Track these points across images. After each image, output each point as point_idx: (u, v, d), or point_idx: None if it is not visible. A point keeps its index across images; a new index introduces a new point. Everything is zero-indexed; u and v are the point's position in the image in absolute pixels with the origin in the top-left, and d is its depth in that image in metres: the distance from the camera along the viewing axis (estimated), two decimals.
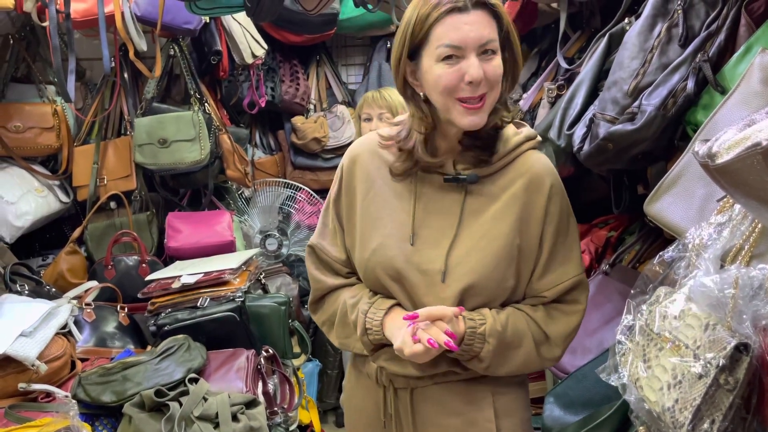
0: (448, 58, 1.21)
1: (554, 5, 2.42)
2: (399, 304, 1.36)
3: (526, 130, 1.38)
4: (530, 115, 2.34)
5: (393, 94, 2.50)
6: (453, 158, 1.34)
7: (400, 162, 1.36)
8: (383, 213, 1.37)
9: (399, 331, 1.28)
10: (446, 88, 1.22)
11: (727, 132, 0.86)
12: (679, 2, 1.40)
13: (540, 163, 1.34)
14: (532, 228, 1.31)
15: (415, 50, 1.26)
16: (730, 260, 1.03)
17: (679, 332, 1.02)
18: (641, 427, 1.15)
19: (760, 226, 0.99)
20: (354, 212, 1.42)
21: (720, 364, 0.92)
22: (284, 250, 3.09)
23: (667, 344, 1.03)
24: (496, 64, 1.22)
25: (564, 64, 2.18)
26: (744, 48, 1.27)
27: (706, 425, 0.93)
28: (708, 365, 0.93)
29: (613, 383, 1.14)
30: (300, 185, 3.32)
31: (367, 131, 2.46)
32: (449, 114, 1.26)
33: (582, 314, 1.37)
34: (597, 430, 1.39)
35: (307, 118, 3.52)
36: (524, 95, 2.53)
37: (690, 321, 1.01)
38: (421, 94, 1.29)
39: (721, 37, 1.32)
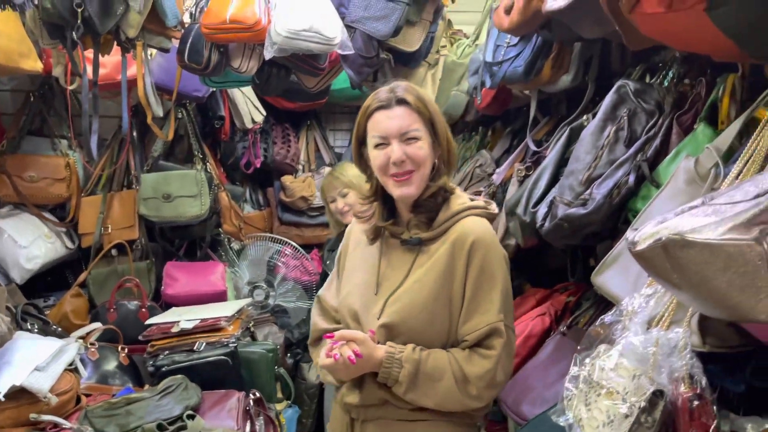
0: (379, 145, 1.55)
1: (526, 92, 2.75)
2: None
3: (474, 203, 1.63)
4: (502, 189, 2.61)
5: (344, 170, 2.77)
6: (407, 224, 1.63)
7: (369, 229, 1.68)
8: (357, 268, 1.70)
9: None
10: (379, 167, 1.56)
11: (647, 225, 1.12)
12: (625, 110, 1.70)
13: (469, 225, 1.57)
14: (457, 279, 1.55)
15: (363, 138, 1.61)
16: (655, 324, 1.29)
17: (612, 381, 1.27)
18: None
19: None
20: (344, 268, 1.76)
21: (641, 406, 1.17)
22: (270, 301, 3.31)
23: (603, 390, 1.28)
24: (418, 146, 1.53)
25: (532, 146, 2.48)
26: (674, 152, 1.57)
27: None
28: (632, 407, 1.18)
29: (561, 424, 1.38)
30: (286, 240, 3.55)
31: (336, 210, 2.74)
32: (387, 187, 1.58)
33: (496, 359, 1.52)
34: None
35: (295, 177, 3.78)
36: (497, 170, 2.82)
37: (621, 372, 1.27)
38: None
39: (657, 141, 1.61)
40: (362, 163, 1.66)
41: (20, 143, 2.95)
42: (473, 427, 1.66)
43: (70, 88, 2.60)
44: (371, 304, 1.62)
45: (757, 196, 0.90)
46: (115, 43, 2.29)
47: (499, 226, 2.37)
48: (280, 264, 3.45)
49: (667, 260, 0.95)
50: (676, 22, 1.32)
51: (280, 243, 3.49)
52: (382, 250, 1.66)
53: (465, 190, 3.04)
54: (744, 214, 0.88)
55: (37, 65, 2.55)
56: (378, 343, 1.57)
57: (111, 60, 2.67)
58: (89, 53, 2.27)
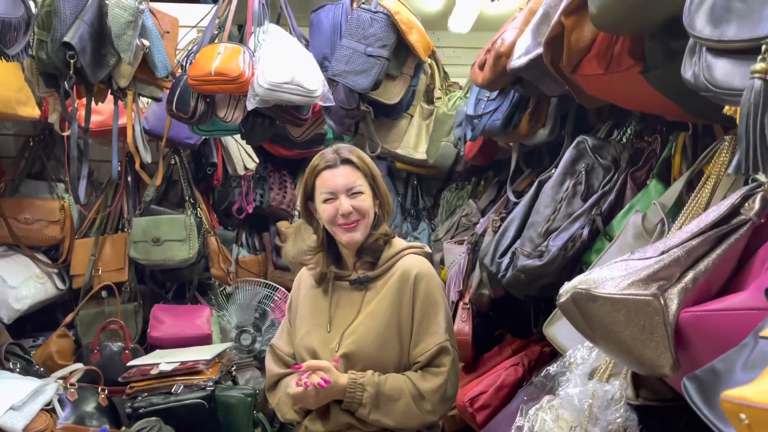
0: (327, 200, 1.73)
1: (510, 144, 2.80)
2: None
3: (411, 244, 1.85)
4: (482, 239, 2.65)
5: None
6: (354, 267, 1.81)
7: (316, 274, 1.85)
8: (310, 310, 1.85)
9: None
10: (328, 219, 1.74)
11: (574, 279, 1.16)
12: (583, 165, 1.74)
13: (410, 261, 1.79)
14: (404, 308, 1.74)
15: (311, 194, 1.79)
16: (595, 376, 1.31)
17: None
18: None
19: None
20: (296, 314, 1.89)
21: None
22: (257, 346, 3.33)
23: None
24: (362, 199, 1.73)
25: (512, 198, 2.52)
26: (627, 207, 1.61)
27: None
28: None
29: None
30: (277, 285, 3.59)
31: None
32: (336, 236, 1.77)
33: (446, 375, 1.70)
34: None
35: (291, 223, 3.84)
36: (481, 220, 2.86)
37: (561, 424, 1.28)
38: (321, 222, 1.79)
39: (612, 196, 1.65)
40: (309, 216, 1.85)
41: (18, 186, 3.05)
42: None
43: (65, 134, 2.69)
44: (327, 340, 1.77)
45: (662, 252, 0.94)
46: (109, 92, 2.39)
47: (474, 276, 2.40)
48: (269, 309, 3.48)
49: (579, 313, 0.98)
50: (617, 83, 1.37)
51: (270, 288, 3.52)
52: (330, 292, 1.82)
53: (451, 238, 3.09)
54: (646, 270, 0.92)
55: (34, 112, 2.65)
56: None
57: (107, 108, 2.76)
58: (85, 100, 2.37)
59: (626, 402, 1.21)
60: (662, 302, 0.88)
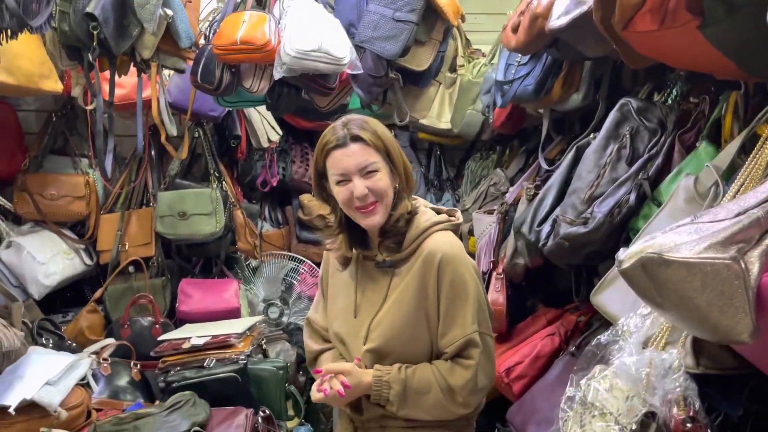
0: (340, 182, 1.58)
1: (540, 111, 2.74)
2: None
3: (438, 218, 1.68)
4: (514, 208, 2.60)
5: None
6: (379, 247, 1.68)
7: (339, 258, 1.75)
8: (338, 293, 1.77)
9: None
10: (344, 203, 1.60)
11: (636, 244, 1.11)
12: (627, 128, 1.69)
13: (435, 241, 1.63)
14: (430, 296, 1.61)
15: (323, 173, 1.64)
16: (650, 345, 1.27)
17: (607, 402, 1.25)
18: None
19: None
20: (328, 288, 1.82)
21: (633, 429, 1.15)
22: (285, 319, 3.32)
23: (597, 412, 1.26)
24: (377, 178, 1.58)
25: (544, 165, 2.47)
26: (676, 171, 1.55)
27: None
28: (624, 429, 1.16)
29: None
30: (303, 258, 3.57)
31: None
32: (354, 219, 1.63)
33: (475, 368, 1.60)
34: None
35: (313, 196, 3.80)
36: (510, 189, 2.81)
37: (615, 393, 1.25)
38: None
39: (659, 160, 1.60)
40: (324, 195, 1.70)
41: (42, 162, 3.02)
42: (469, 426, 1.76)
43: (89, 108, 2.66)
44: (355, 327, 1.69)
45: (738, 214, 0.89)
46: (132, 64, 2.35)
47: (508, 245, 2.36)
48: (296, 282, 3.46)
49: (648, 279, 0.94)
50: (670, 40, 1.31)
51: (296, 261, 3.50)
52: (357, 273, 1.73)
53: (479, 208, 3.04)
54: (723, 233, 0.87)
55: (57, 86, 2.62)
56: (366, 367, 1.64)
57: (129, 81, 2.73)
58: (108, 74, 2.33)
59: (685, 371, 1.17)
60: (743, 266, 0.83)
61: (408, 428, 1.66)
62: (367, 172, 1.58)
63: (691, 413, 1.12)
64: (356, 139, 1.58)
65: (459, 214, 1.74)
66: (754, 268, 0.84)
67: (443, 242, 1.64)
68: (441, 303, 1.61)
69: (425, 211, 1.71)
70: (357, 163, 1.57)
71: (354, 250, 1.71)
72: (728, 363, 1.16)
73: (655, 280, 0.92)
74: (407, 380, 1.60)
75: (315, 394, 1.63)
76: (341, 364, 1.63)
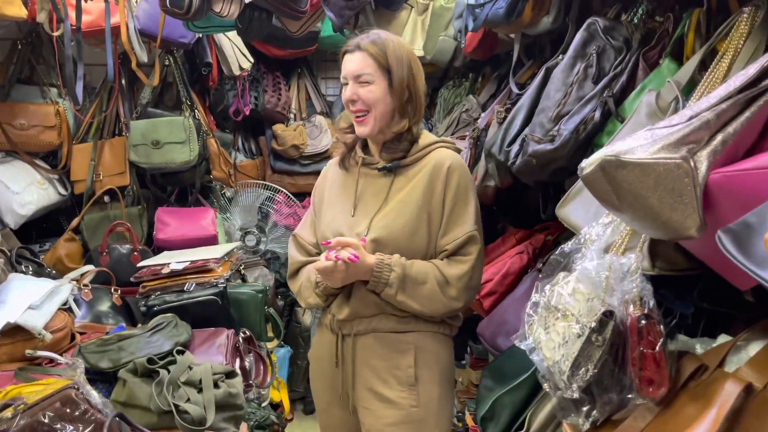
0: (345, 84, 1.76)
1: (511, 36, 2.75)
2: None
3: (443, 138, 1.89)
4: (485, 133, 2.65)
5: None
6: (380, 156, 1.84)
7: (341, 152, 1.91)
8: (335, 197, 1.89)
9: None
10: (344, 104, 1.78)
11: (596, 153, 1.17)
12: (594, 47, 1.72)
13: (443, 153, 1.81)
14: (436, 197, 1.76)
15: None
16: (611, 251, 1.35)
17: (569, 305, 1.33)
18: (545, 384, 1.46)
19: None
20: (322, 202, 1.92)
21: (592, 327, 1.23)
22: (262, 246, 3.38)
23: (560, 314, 1.34)
24: (369, 89, 1.72)
25: (515, 90, 2.50)
26: (639, 87, 1.60)
27: (581, 372, 1.25)
28: (584, 327, 1.25)
29: (522, 347, 1.45)
30: (279, 188, 3.60)
31: None
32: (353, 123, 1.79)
33: (473, 262, 1.75)
34: (516, 391, 1.70)
35: (287, 126, 3.81)
36: (482, 114, 2.85)
37: (577, 296, 1.33)
38: None
39: (624, 77, 1.64)
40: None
41: (9, 91, 2.98)
42: (449, 338, 1.90)
43: (55, 34, 2.62)
44: (352, 225, 1.79)
45: (690, 118, 0.95)
46: None
47: (479, 169, 2.42)
48: (272, 210, 3.51)
49: (607, 182, 1.00)
50: None
51: (272, 190, 3.54)
52: (358, 178, 1.85)
53: (452, 135, 3.08)
54: (675, 135, 0.93)
55: (21, 12, 2.55)
56: None
57: (96, 6, 2.68)
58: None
59: (642, 273, 1.25)
60: (692, 164, 0.89)
61: (398, 333, 1.77)
62: (360, 81, 1.72)
63: (645, 311, 1.21)
64: (362, 49, 1.73)
65: (459, 144, 1.93)
66: (703, 167, 0.90)
67: (450, 154, 1.82)
68: (446, 204, 1.76)
69: (428, 134, 1.87)
70: (354, 69, 1.73)
71: (358, 152, 1.85)
72: (681, 264, 1.24)
73: (612, 182, 0.98)
74: (406, 267, 1.70)
75: (321, 264, 1.69)
76: (349, 239, 1.71)
